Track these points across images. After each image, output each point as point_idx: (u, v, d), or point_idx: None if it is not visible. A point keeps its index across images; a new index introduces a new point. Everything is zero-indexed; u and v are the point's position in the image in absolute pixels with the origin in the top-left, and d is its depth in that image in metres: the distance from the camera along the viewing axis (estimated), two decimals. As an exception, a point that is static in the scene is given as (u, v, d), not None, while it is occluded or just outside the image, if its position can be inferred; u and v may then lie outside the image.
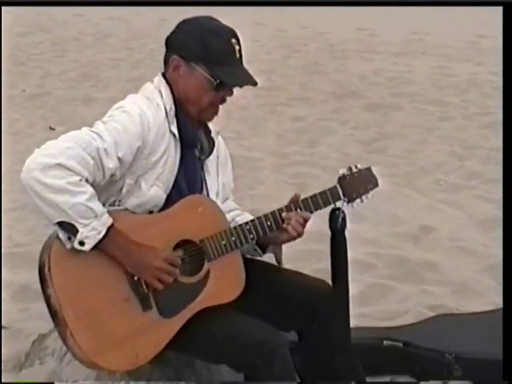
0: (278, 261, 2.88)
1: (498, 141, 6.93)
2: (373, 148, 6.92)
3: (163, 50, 2.68)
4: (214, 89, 2.58)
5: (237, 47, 2.59)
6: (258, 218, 2.68)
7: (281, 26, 14.21)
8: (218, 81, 2.56)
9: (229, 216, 2.82)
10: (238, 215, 2.87)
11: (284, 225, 2.67)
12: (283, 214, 2.68)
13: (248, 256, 2.80)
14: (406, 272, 4.46)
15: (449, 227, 5.12)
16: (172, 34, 2.65)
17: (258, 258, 2.86)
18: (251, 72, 2.62)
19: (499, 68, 9.69)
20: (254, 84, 2.61)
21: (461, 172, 6.24)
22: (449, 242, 4.88)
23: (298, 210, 2.70)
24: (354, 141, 7.17)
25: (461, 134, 7.32)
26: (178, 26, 2.64)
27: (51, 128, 7.70)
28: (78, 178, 2.32)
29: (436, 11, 15.18)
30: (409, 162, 6.49)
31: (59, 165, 2.29)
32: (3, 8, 9.94)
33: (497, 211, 5.30)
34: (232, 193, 2.95)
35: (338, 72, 10.23)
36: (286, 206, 2.71)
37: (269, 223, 2.67)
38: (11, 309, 3.88)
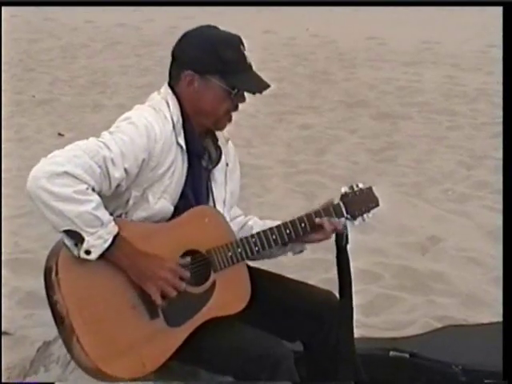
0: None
1: (507, 151, 6.92)
2: (381, 157, 6.90)
3: (172, 57, 2.67)
4: (231, 98, 2.59)
5: (246, 53, 2.60)
6: (264, 232, 2.68)
7: (290, 34, 14.20)
8: (236, 90, 2.56)
9: (236, 222, 2.84)
10: (248, 220, 2.88)
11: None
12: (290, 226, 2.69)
13: (252, 265, 2.78)
14: (414, 282, 4.44)
15: (457, 237, 5.09)
16: (179, 47, 2.63)
17: (263, 268, 2.86)
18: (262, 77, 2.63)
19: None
20: (268, 87, 2.62)
21: (469, 182, 6.21)
22: (456, 253, 4.85)
23: (303, 225, 2.70)
24: (363, 150, 7.15)
25: (469, 143, 7.30)
26: (183, 40, 2.63)
27: (60, 134, 7.71)
28: (85, 186, 2.31)
29: (446, 21, 15.17)
30: (417, 172, 6.46)
31: (66, 173, 2.28)
32: (4, 8, 10.02)
33: (505, 222, 5.29)
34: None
35: (347, 81, 10.22)
36: (291, 221, 2.71)
37: (274, 237, 2.68)
38: (16, 315, 3.88)
